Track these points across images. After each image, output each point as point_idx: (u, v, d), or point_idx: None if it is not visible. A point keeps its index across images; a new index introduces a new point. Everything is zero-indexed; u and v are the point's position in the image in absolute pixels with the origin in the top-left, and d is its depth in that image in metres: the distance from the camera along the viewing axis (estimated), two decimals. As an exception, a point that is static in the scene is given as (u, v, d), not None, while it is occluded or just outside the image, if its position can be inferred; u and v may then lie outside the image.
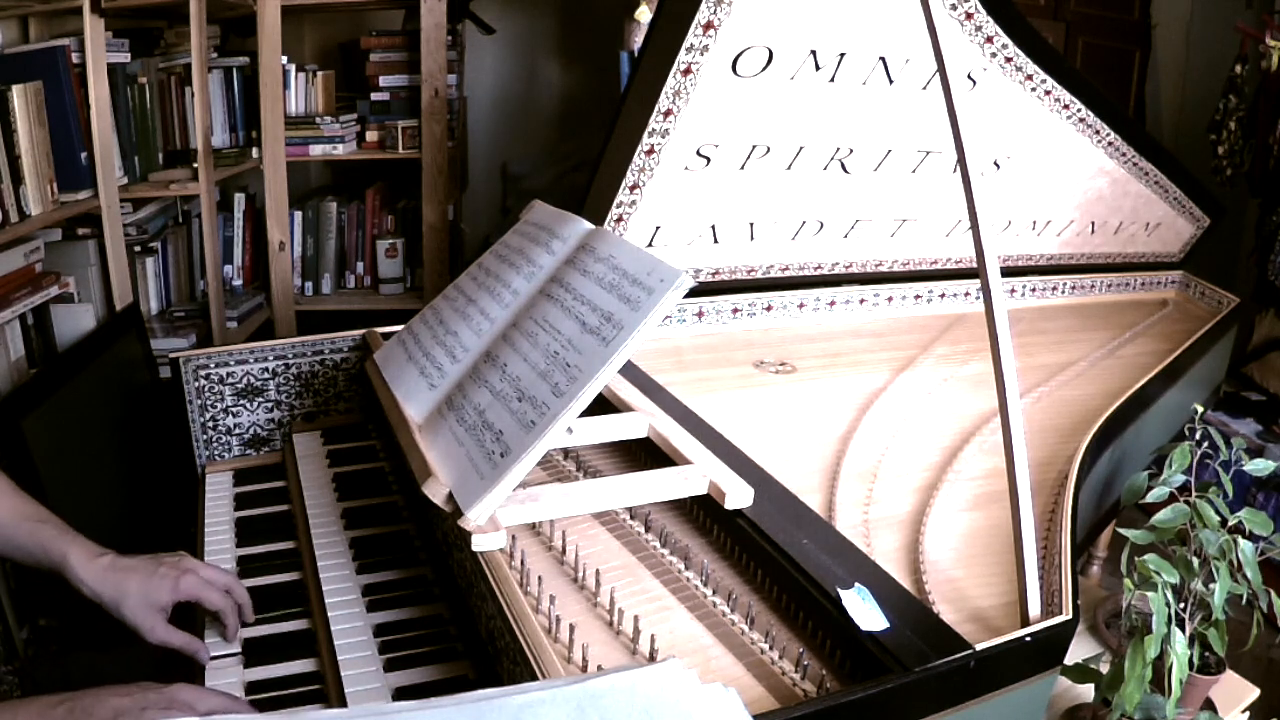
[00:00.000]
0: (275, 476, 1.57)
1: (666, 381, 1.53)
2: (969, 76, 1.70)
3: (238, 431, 1.62)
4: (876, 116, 1.73)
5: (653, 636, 0.98)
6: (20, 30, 2.18)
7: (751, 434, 1.45)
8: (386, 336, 1.55)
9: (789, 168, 1.78)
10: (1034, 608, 0.99)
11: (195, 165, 2.62)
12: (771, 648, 0.99)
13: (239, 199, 3.05)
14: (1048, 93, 1.79)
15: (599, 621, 1.03)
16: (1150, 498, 1.32)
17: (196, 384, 1.57)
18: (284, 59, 2.82)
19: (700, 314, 1.96)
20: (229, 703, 0.97)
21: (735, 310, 1.99)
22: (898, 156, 1.85)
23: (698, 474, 1.12)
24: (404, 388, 1.30)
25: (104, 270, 2.32)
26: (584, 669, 0.94)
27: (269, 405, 1.63)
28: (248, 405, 1.61)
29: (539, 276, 1.28)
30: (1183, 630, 1.15)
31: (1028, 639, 0.93)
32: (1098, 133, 1.92)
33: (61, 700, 0.88)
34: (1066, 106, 1.83)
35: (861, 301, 2.12)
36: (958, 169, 1.35)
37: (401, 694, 1.06)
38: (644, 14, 2.68)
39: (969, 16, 1.61)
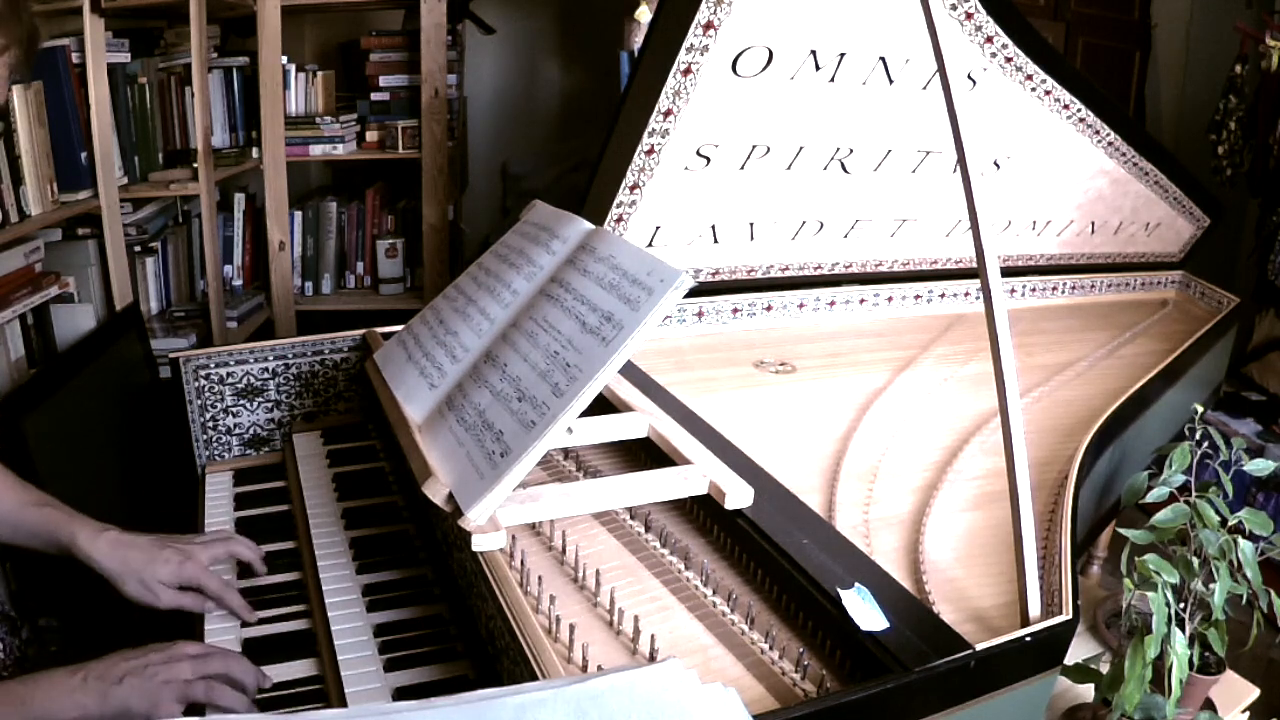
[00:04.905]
0: (275, 476, 1.57)
1: (666, 381, 1.53)
2: (969, 76, 1.70)
3: (238, 431, 1.62)
4: (876, 116, 1.73)
5: (653, 636, 0.98)
6: (20, 30, 2.18)
7: (751, 434, 1.44)
8: (386, 336, 1.55)
9: (789, 168, 1.78)
10: (1034, 608, 0.99)
11: (195, 165, 2.62)
12: (771, 648, 0.99)
13: (239, 199, 3.05)
14: (1048, 93, 1.79)
15: (599, 621, 1.03)
16: (1150, 498, 1.32)
17: (196, 384, 1.57)
18: (284, 59, 2.82)
19: (700, 314, 1.96)
20: (228, 656, 1.07)
21: (735, 310, 1.99)
22: (898, 156, 1.85)
23: (698, 474, 1.12)
24: (404, 388, 1.30)
25: (104, 270, 2.32)
26: (584, 669, 0.94)
27: (269, 405, 1.63)
28: (248, 405, 1.61)
29: (539, 276, 1.28)
30: (1183, 630, 1.16)
31: (1028, 639, 0.93)
32: (1098, 133, 1.92)
33: (75, 670, 0.97)
34: (1066, 106, 1.83)
35: (861, 301, 2.12)
36: (958, 169, 1.35)
37: (401, 694, 1.06)
38: (644, 14, 2.67)
39: (969, 16, 1.61)
